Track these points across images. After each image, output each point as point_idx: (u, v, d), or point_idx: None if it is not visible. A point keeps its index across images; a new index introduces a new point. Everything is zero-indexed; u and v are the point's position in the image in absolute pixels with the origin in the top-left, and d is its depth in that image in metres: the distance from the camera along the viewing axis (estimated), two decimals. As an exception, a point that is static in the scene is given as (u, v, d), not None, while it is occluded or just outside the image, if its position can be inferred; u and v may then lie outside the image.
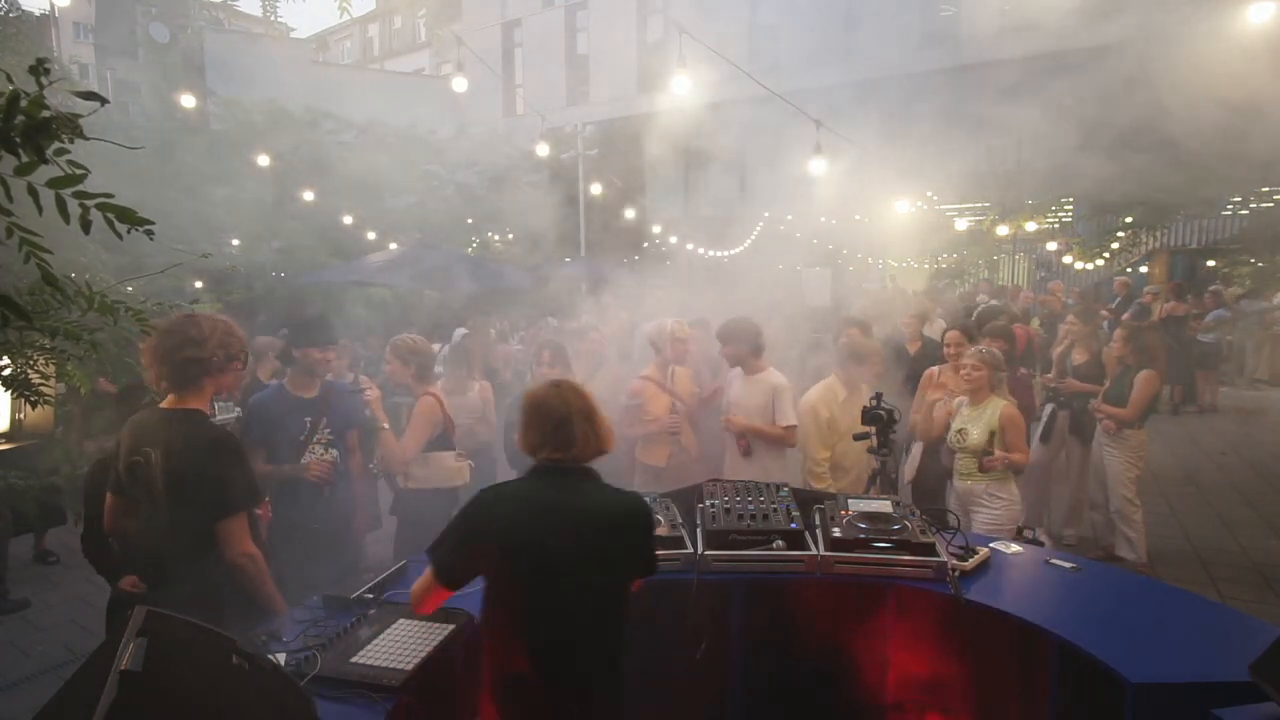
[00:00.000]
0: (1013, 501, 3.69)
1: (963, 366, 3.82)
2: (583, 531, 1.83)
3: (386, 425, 3.42)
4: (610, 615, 1.89)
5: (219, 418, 3.99)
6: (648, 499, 2.71)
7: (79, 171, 1.32)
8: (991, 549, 2.81)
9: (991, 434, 3.65)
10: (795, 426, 3.88)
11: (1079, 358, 5.40)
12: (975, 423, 3.72)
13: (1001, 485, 3.68)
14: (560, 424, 1.87)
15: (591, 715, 1.86)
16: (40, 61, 1.31)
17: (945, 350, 4.51)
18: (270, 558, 3.30)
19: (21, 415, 4.60)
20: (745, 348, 3.99)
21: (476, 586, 2.47)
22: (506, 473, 4.27)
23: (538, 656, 1.82)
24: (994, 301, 11.12)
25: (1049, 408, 5.38)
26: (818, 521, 2.77)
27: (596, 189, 12.60)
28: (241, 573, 2.31)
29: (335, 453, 3.32)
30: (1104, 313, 8.04)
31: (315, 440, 3.30)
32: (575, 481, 1.89)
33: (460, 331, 9.04)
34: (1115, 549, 4.81)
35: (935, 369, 4.58)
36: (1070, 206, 14.25)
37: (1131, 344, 4.79)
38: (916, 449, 4.56)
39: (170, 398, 2.37)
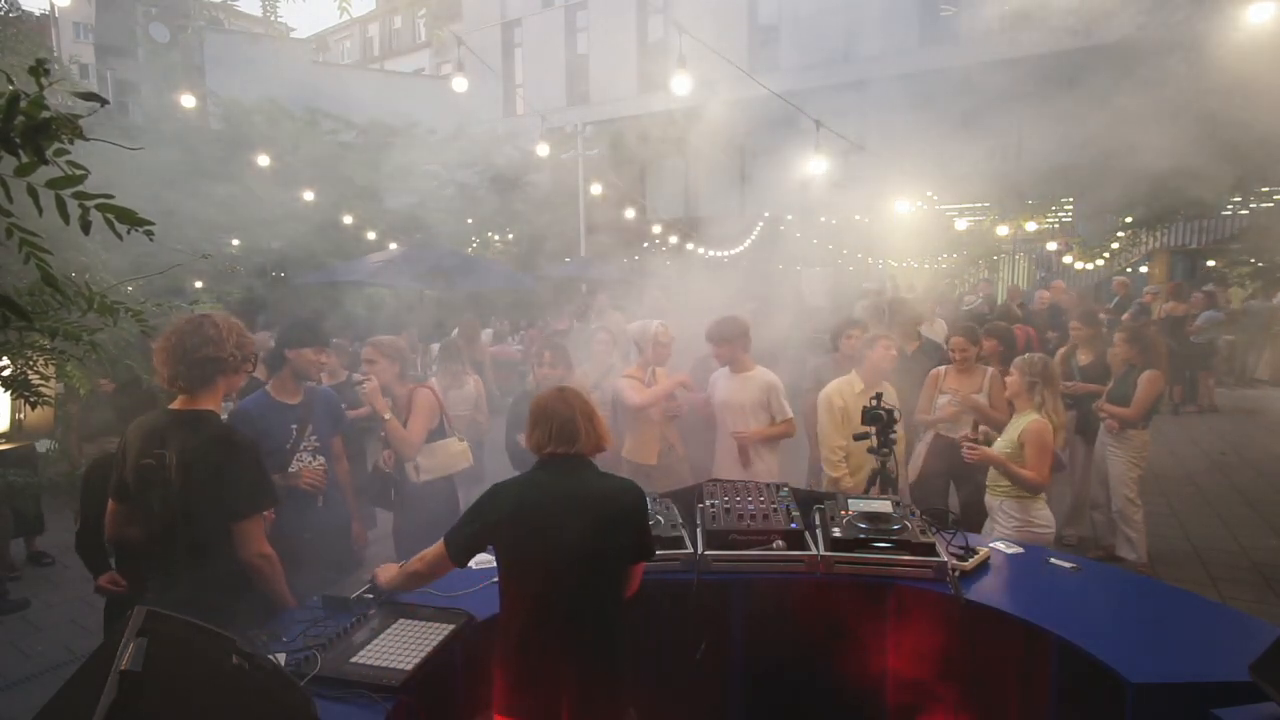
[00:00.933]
0: (1030, 524, 3.38)
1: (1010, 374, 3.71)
2: (580, 508, 2.02)
3: (389, 415, 3.41)
4: (606, 590, 2.05)
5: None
6: (647, 498, 2.72)
7: (78, 172, 1.32)
8: (991, 549, 2.81)
9: (1017, 447, 3.44)
10: (792, 419, 3.99)
11: (1084, 359, 5.40)
12: (1005, 432, 3.58)
13: (1021, 504, 3.42)
14: (564, 423, 2.09)
15: (588, 685, 1.98)
16: (40, 62, 1.31)
17: (951, 354, 4.51)
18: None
19: (21, 415, 4.61)
20: (739, 347, 4.01)
21: (477, 586, 2.49)
22: (503, 466, 4.30)
23: (537, 621, 1.98)
24: (980, 301, 11.10)
25: None
26: (818, 521, 2.77)
27: (597, 189, 12.60)
28: (257, 574, 2.32)
29: (323, 459, 3.24)
30: (1100, 315, 8.00)
31: (302, 448, 3.19)
32: (574, 470, 2.10)
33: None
34: (1116, 549, 4.80)
35: (941, 369, 4.57)
36: (1070, 206, 14.25)
37: (1136, 344, 4.76)
38: (920, 448, 4.55)
39: (181, 399, 2.35)
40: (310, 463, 3.18)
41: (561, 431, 2.08)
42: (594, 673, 1.99)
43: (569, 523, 1.99)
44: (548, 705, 1.97)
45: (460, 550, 2.09)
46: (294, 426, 3.17)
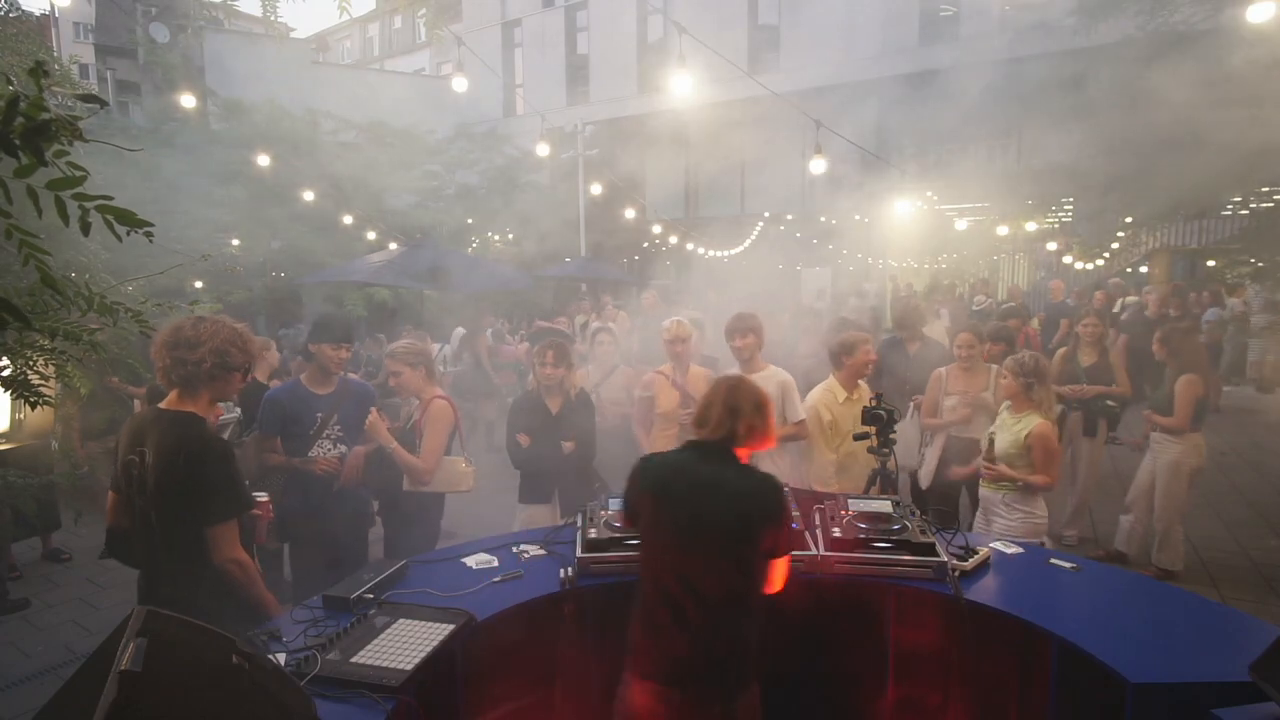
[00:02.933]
0: (1032, 515, 3.48)
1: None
2: (716, 495, 2.06)
3: (394, 444, 3.37)
4: (737, 576, 2.04)
5: (223, 417, 4.05)
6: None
7: (78, 174, 1.32)
8: (991, 549, 2.81)
9: (1023, 449, 3.48)
10: (805, 421, 3.88)
11: (1087, 359, 5.37)
12: (1005, 431, 3.59)
13: (1023, 497, 3.49)
14: (732, 410, 2.14)
15: (722, 664, 2.00)
16: (40, 64, 1.31)
17: (956, 352, 4.50)
18: (277, 551, 3.33)
19: (21, 415, 4.62)
20: (756, 340, 3.94)
21: (477, 586, 2.48)
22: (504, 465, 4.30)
23: (662, 593, 2.04)
24: (990, 302, 11.10)
25: (1058, 409, 5.35)
26: (818, 521, 2.77)
27: (596, 189, 12.57)
28: (230, 578, 2.30)
29: (343, 449, 3.38)
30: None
31: (324, 435, 3.35)
32: (719, 457, 2.14)
33: (460, 332, 9.06)
34: (1151, 553, 4.71)
35: (943, 370, 4.55)
36: (1070, 206, 14.24)
37: (1165, 346, 4.69)
38: (930, 454, 4.51)
39: (170, 398, 2.36)
40: (329, 451, 3.36)
41: (728, 417, 2.13)
42: (716, 653, 2.00)
43: (702, 508, 2.04)
44: (674, 673, 2.01)
45: (628, 512, 2.20)
46: (319, 415, 3.37)
